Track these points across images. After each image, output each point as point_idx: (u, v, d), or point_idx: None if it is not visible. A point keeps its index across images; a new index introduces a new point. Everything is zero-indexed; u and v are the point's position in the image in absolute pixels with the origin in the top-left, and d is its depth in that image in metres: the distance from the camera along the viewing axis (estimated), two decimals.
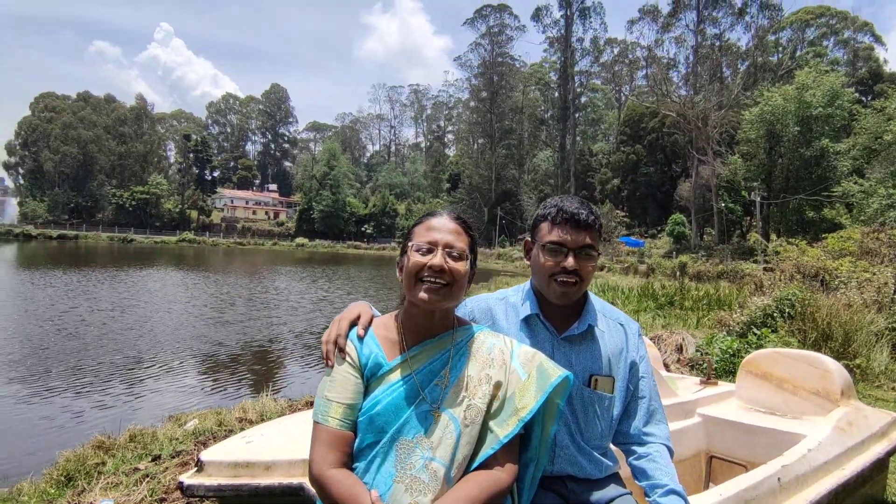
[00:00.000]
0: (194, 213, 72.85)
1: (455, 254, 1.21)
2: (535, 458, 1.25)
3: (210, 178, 77.42)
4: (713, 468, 2.28)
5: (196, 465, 1.79)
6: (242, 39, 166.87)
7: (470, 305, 1.53)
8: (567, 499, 1.39)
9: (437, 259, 1.19)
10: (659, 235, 47.89)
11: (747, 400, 2.50)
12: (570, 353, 1.43)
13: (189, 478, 1.75)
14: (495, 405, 1.21)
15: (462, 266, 1.22)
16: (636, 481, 1.42)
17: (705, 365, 3.13)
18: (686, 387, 2.69)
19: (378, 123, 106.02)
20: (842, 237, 13.38)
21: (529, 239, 1.51)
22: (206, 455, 1.79)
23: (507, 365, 1.26)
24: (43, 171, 68.73)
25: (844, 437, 1.96)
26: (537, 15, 55.27)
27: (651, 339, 5.58)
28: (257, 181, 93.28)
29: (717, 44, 46.33)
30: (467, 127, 72.76)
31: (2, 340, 9.47)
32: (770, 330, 5.87)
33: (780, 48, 53.17)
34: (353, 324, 1.29)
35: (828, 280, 9.68)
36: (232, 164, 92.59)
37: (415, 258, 1.20)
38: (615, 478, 1.48)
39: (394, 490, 1.11)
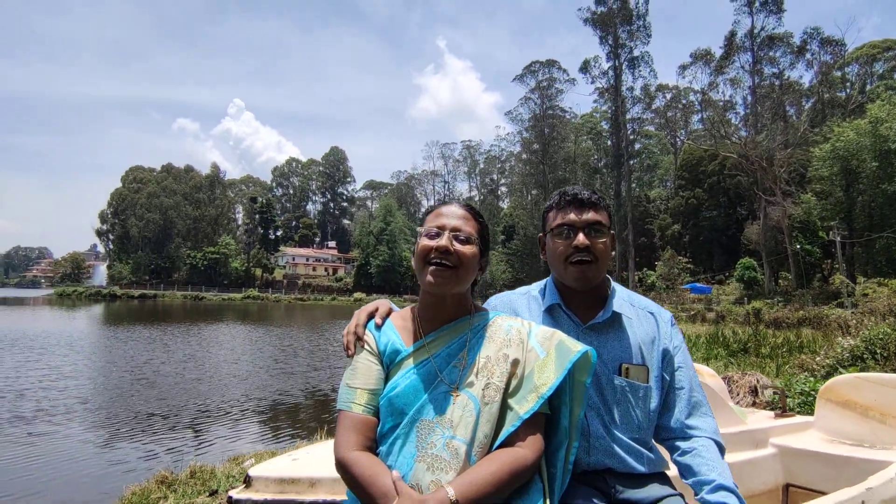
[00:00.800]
0: (258, 271, 76.78)
1: (462, 237, 1.24)
2: (566, 441, 1.21)
3: (273, 237, 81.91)
4: (790, 499, 2.04)
5: (244, 481, 1.83)
6: (304, 107, 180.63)
7: (493, 302, 1.55)
8: (608, 495, 1.30)
9: (443, 241, 1.22)
10: (727, 281, 45.26)
11: (828, 431, 2.26)
12: (596, 343, 1.39)
13: (238, 493, 1.78)
14: (514, 383, 1.21)
15: (469, 249, 1.24)
16: (682, 479, 1.31)
17: (778, 397, 2.88)
18: (757, 420, 2.47)
19: (432, 179, 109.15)
20: None
21: (542, 234, 1.52)
22: (255, 471, 1.83)
23: (525, 343, 1.25)
24: (129, 237, 75.46)
25: None
26: (585, 67, 56.18)
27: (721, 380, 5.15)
28: (317, 239, 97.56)
29: (777, 83, 44.99)
30: (520, 179, 73.45)
31: (86, 390, 10.14)
32: (858, 370, 5.31)
33: (848, 83, 50.93)
34: (372, 316, 1.33)
35: None
36: (294, 223, 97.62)
37: (423, 242, 1.24)
38: (663, 477, 1.37)
39: (415, 469, 1.10)
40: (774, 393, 4.45)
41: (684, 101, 58.85)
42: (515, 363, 1.22)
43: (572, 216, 1.41)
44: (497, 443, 1.16)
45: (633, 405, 1.36)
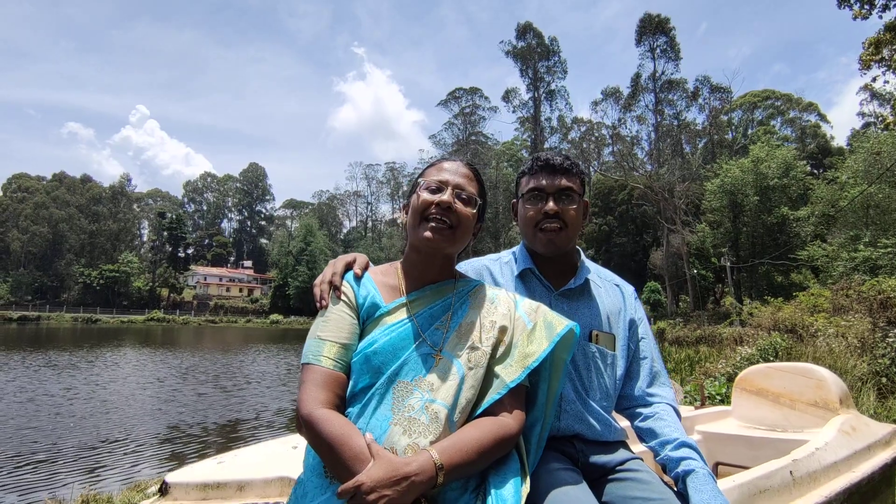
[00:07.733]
0: (165, 291, 71.10)
1: (464, 196, 1.19)
2: (542, 417, 1.17)
3: (183, 255, 76.47)
4: (720, 474, 2.14)
5: (160, 490, 1.61)
6: (220, 122, 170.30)
7: (465, 267, 1.49)
8: (576, 459, 1.28)
9: (445, 196, 1.16)
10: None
11: (744, 418, 2.41)
12: (568, 309, 1.38)
13: (152, 502, 1.57)
14: (501, 350, 1.15)
15: (469, 210, 1.19)
16: (643, 443, 1.33)
17: (697, 394, 3.05)
18: (682, 411, 2.59)
19: (355, 200, 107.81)
20: (813, 294, 13.80)
21: (515, 199, 1.50)
22: (173, 477, 1.62)
23: (512, 312, 1.21)
24: (9, 251, 67.07)
25: (851, 441, 1.89)
26: (507, 96, 58.80)
27: None
28: (232, 258, 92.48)
29: (676, 123, 49.63)
30: None
31: None
32: None
33: (733, 126, 57.26)
34: (349, 266, 1.23)
35: (804, 336, 9.83)
36: (207, 241, 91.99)
37: (424, 196, 1.18)
38: (625, 444, 1.37)
39: (390, 432, 1.01)
40: (686, 396, 4.76)
41: (597, 134, 63.10)
42: (503, 330, 1.17)
43: (543, 181, 1.39)
44: (480, 409, 1.09)
45: (601, 372, 1.36)
